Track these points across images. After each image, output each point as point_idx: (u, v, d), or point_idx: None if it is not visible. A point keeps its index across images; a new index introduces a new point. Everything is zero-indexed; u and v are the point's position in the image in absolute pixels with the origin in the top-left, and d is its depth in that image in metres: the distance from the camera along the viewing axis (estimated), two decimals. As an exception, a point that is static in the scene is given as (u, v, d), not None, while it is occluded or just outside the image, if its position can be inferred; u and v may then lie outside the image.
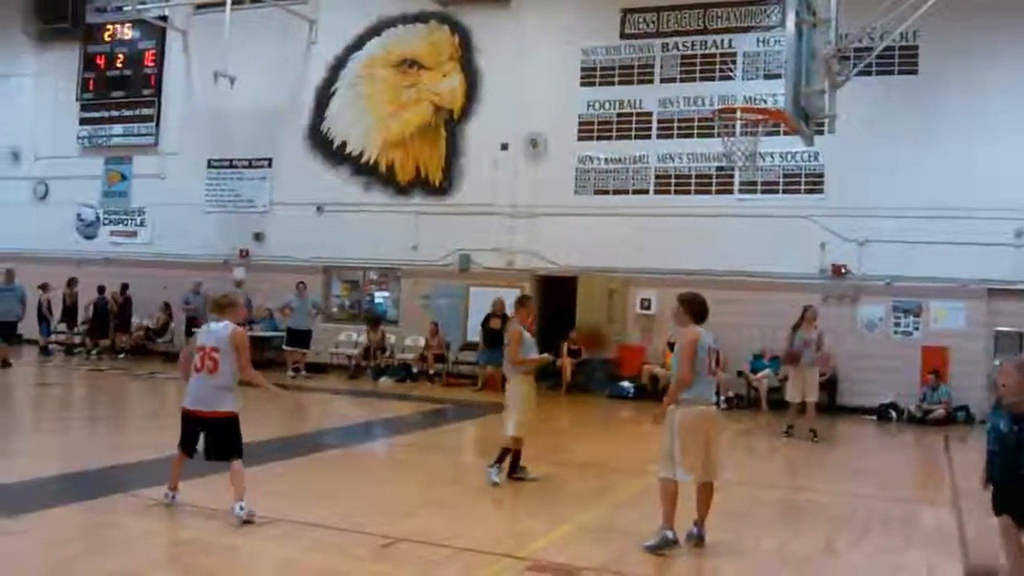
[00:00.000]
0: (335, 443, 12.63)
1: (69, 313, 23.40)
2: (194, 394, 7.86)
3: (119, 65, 25.26)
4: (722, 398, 17.65)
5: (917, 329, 17.77)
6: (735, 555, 7.36)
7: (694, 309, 7.58)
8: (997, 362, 15.63)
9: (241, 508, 7.53)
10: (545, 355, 10.50)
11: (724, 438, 7.81)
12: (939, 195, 17.17)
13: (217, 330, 7.94)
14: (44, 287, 22.42)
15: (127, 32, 25.27)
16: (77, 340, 23.60)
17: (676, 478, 7.31)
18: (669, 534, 7.20)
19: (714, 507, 7.57)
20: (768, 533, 8.27)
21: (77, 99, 25.70)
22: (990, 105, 17.28)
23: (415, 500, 8.90)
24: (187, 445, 7.97)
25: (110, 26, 25.40)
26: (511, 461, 9.96)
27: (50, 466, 9.80)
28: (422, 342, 20.82)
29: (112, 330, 22.94)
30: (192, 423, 7.89)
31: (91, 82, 25.57)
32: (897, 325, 17.90)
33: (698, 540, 7.43)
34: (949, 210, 17.05)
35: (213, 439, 7.81)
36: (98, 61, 25.52)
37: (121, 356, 22.52)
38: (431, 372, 20.36)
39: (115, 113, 25.24)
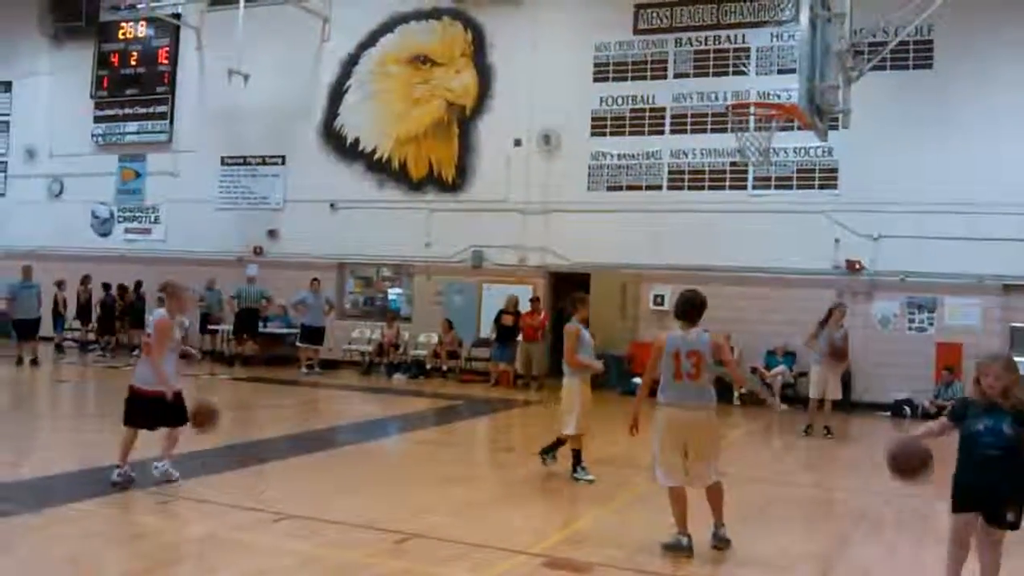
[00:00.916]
0: (350, 439, 12.67)
1: (83, 310, 23.52)
2: (137, 372, 8.89)
3: (133, 63, 25.35)
4: (735, 395, 17.63)
5: (932, 325, 17.70)
6: (750, 551, 7.34)
7: (675, 310, 7.59)
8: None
9: (159, 465, 8.68)
10: (599, 363, 10.18)
11: (711, 441, 7.44)
12: (953, 190, 17.09)
13: (152, 317, 9.02)
14: (60, 284, 22.52)
15: (141, 30, 25.36)
16: (91, 337, 23.71)
17: (660, 482, 7.32)
18: (683, 540, 7.13)
19: (729, 503, 7.54)
20: (783, 529, 8.27)
21: (91, 97, 25.81)
22: (1005, 100, 17.17)
23: (430, 496, 8.93)
24: (131, 421, 8.75)
25: (124, 24, 25.50)
26: (572, 461, 10.01)
27: (68, 462, 9.86)
28: (435, 339, 20.85)
29: (125, 327, 23.03)
30: (134, 398, 8.75)
31: (105, 80, 25.68)
32: (911, 321, 17.84)
33: (719, 542, 7.33)
34: (963, 205, 16.99)
35: (153, 410, 8.66)
36: (112, 59, 25.62)
37: (135, 353, 22.59)
38: (444, 368, 20.40)
39: (129, 111, 25.34)
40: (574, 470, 9.90)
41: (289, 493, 8.87)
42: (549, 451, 10.29)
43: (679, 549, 7.10)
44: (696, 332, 7.39)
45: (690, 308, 7.47)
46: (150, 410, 8.63)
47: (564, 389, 10.02)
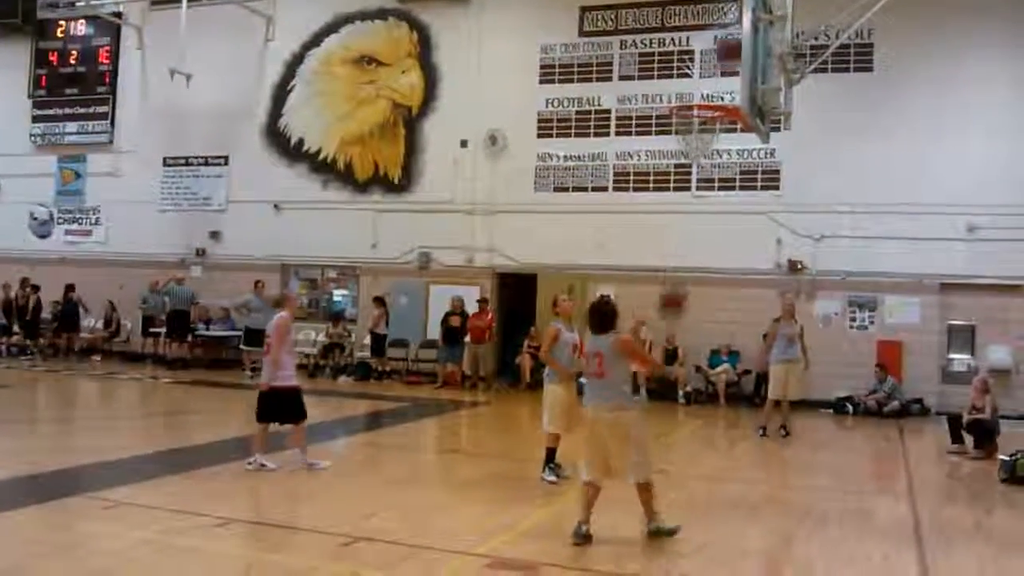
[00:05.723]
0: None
1: (21, 314, 23.05)
2: (264, 372, 10.13)
3: (72, 62, 24.87)
4: (680, 392, 17.82)
5: (872, 323, 18.00)
6: (695, 548, 7.40)
7: (587, 319, 7.84)
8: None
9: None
10: (566, 368, 9.83)
11: (628, 439, 7.46)
12: (893, 191, 17.40)
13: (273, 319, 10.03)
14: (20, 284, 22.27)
15: (80, 28, 24.90)
16: (28, 341, 23.23)
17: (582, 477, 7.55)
18: (582, 528, 7.31)
19: (675, 500, 7.60)
20: (727, 526, 8.33)
21: (29, 96, 25.29)
22: (942, 101, 17.51)
23: (374, 499, 8.89)
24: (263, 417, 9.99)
25: (63, 22, 25.01)
26: (544, 458, 9.98)
27: (4, 469, 9.64)
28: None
29: (59, 330, 22.62)
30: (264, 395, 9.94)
31: (44, 79, 25.19)
32: (853, 320, 18.11)
33: (654, 533, 7.49)
34: (903, 206, 17.30)
35: (278, 406, 9.92)
36: (51, 58, 25.12)
37: (97, 358, 22.25)
38: (388, 370, 20.24)
39: (69, 110, 24.85)
40: (543, 468, 9.90)
41: (232, 497, 8.77)
42: (547, 464, 9.93)
43: (576, 535, 7.28)
44: (605, 335, 7.66)
45: (599, 318, 7.74)
46: (275, 405, 9.77)
47: (543, 389, 10.08)
